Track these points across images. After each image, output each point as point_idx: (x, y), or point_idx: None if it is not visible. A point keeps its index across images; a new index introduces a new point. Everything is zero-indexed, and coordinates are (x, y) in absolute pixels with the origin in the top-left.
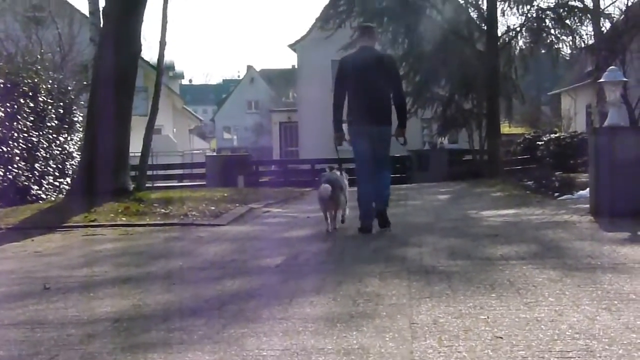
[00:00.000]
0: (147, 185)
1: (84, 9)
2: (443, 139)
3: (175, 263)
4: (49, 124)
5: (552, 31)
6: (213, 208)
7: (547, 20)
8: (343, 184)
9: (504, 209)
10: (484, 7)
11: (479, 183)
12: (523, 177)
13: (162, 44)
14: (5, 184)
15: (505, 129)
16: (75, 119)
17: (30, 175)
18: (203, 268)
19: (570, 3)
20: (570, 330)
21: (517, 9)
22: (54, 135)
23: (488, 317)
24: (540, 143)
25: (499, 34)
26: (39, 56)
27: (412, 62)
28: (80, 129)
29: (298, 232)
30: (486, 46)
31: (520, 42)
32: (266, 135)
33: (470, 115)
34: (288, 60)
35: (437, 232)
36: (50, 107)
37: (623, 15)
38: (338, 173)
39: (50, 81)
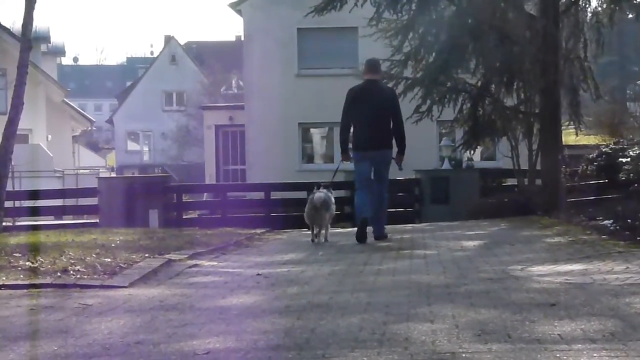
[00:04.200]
0: (4, 223)
1: None
2: (472, 153)
3: (47, 347)
4: None
5: None
6: (108, 260)
7: None
8: (332, 202)
9: (565, 263)
10: None
11: (527, 222)
12: (597, 213)
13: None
14: None
15: (570, 137)
16: None
17: None
18: (90, 355)
19: None
20: None
21: None
22: None
23: None
24: (625, 160)
25: None
26: None
27: (424, 32)
28: None
29: (242, 299)
30: (540, 8)
31: (594, 2)
32: (195, 146)
33: (515, 117)
34: (229, 28)
35: (459, 299)
36: None
37: None
38: (327, 192)
39: None
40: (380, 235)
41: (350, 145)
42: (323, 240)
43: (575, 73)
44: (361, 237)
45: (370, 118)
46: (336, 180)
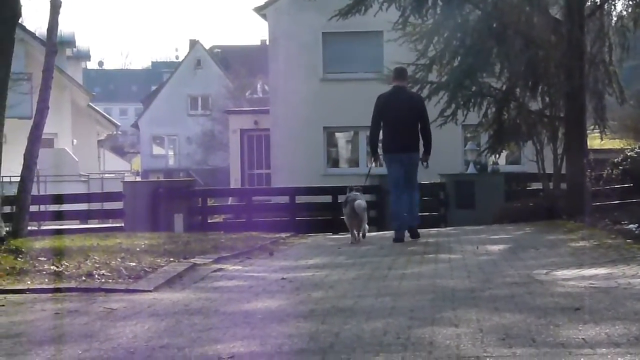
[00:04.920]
0: (29, 228)
1: None
2: (497, 157)
3: (71, 351)
4: None
5: None
6: (133, 264)
7: None
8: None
9: (590, 267)
10: None
11: (552, 226)
12: (622, 217)
13: (56, 4)
14: None
15: (595, 142)
16: None
17: None
18: (115, 359)
19: None
20: None
21: None
22: None
23: None
24: None
25: None
26: None
27: (449, 37)
28: None
29: (267, 303)
30: (565, 12)
31: (620, 6)
32: (220, 151)
33: (540, 121)
34: (254, 33)
35: (483, 304)
36: None
37: None
38: (359, 194)
39: None
40: (414, 234)
41: (380, 149)
42: (362, 238)
43: (600, 77)
44: (400, 241)
45: (399, 123)
46: (362, 184)
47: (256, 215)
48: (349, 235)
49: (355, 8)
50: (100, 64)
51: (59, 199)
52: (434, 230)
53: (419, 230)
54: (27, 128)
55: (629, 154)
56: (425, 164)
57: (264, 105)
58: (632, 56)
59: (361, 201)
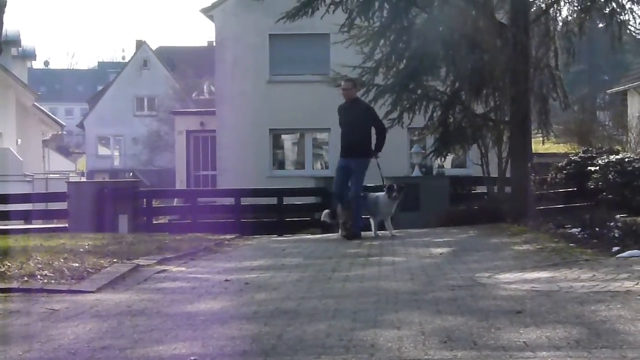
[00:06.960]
0: None
1: None
2: (442, 160)
3: (12, 352)
4: None
5: None
6: (76, 265)
7: None
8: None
9: (532, 270)
10: None
11: (496, 230)
12: (565, 221)
13: (1, 3)
14: None
15: (539, 146)
16: None
17: None
18: None
19: None
20: None
21: None
22: None
23: None
24: (593, 169)
25: None
26: None
27: (395, 40)
28: None
29: (210, 304)
30: (511, 17)
31: (565, 11)
32: (166, 152)
33: (485, 125)
34: (201, 34)
35: (426, 306)
36: None
37: None
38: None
39: None
40: (352, 235)
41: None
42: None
43: (545, 81)
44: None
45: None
46: (307, 186)
47: (201, 217)
48: (294, 237)
49: (302, 10)
50: (46, 63)
51: (2, 199)
52: (378, 233)
53: (362, 233)
54: None
55: (572, 158)
56: (376, 160)
57: (210, 106)
58: (577, 61)
59: (326, 211)
